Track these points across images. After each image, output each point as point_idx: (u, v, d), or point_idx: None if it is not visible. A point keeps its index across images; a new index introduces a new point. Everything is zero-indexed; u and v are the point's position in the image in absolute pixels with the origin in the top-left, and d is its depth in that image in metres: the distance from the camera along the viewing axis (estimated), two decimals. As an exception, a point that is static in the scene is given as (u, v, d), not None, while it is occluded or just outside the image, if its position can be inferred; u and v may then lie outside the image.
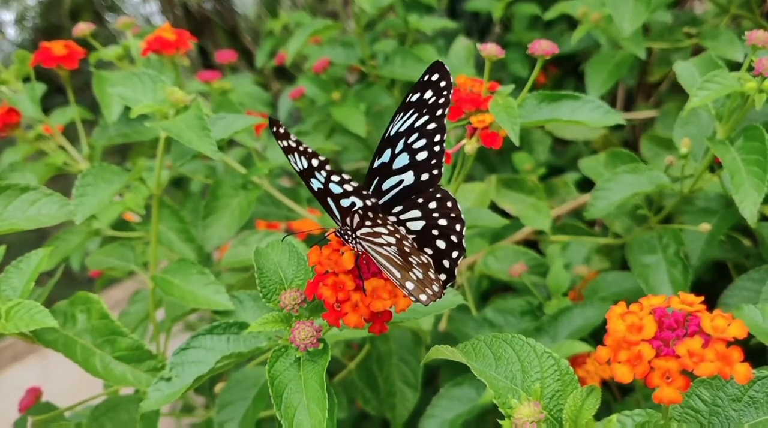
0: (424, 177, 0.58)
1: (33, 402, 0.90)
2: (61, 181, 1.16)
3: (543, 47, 0.74)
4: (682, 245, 0.88)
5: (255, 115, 1.32)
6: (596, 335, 0.95)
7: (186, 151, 0.80)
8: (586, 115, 0.79)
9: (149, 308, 0.87)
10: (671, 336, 0.41)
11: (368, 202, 0.53)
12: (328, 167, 0.52)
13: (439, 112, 0.57)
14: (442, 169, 0.58)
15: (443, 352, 0.51)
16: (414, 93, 0.58)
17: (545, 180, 1.39)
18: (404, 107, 0.58)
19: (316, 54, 1.47)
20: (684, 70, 0.84)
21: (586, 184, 1.21)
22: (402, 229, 0.53)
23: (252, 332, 0.57)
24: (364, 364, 1.00)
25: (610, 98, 1.63)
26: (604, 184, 0.90)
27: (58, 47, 0.97)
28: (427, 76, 0.57)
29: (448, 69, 0.57)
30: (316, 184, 0.54)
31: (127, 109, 0.83)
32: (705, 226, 0.87)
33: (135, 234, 1.01)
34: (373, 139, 1.45)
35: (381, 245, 0.52)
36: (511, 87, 0.81)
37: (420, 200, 0.57)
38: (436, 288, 0.51)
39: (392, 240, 0.52)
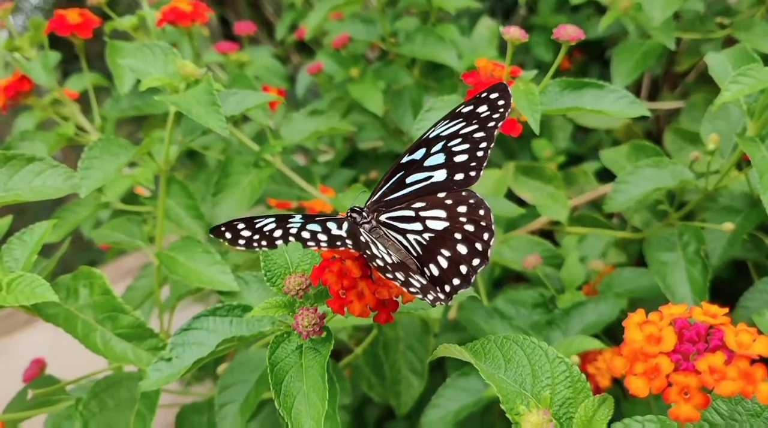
0: (459, 176, 0.57)
1: (37, 373, 0.89)
2: (77, 151, 1.15)
3: (569, 32, 0.71)
4: (703, 244, 0.85)
5: (271, 89, 1.30)
6: (609, 331, 0.93)
7: (196, 126, 0.77)
8: (610, 104, 0.76)
9: (155, 285, 0.86)
10: (692, 349, 0.39)
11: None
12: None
13: (491, 124, 0.57)
14: (481, 173, 0.57)
15: (451, 351, 0.49)
16: (467, 106, 0.57)
17: (564, 168, 1.37)
18: (452, 116, 0.58)
19: (336, 29, 1.44)
20: (716, 62, 0.81)
21: (605, 174, 1.18)
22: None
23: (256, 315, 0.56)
24: (371, 349, 0.99)
25: (635, 87, 1.59)
26: (625, 178, 0.87)
27: (72, 15, 0.96)
28: (485, 94, 0.57)
29: (510, 91, 0.57)
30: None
31: (139, 81, 0.82)
32: (728, 226, 0.84)
33: (144, 208, 0.99)
34: (390, 119, 1.42)
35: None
36: (533, 73, 0.78)
37: (448, 201, 0.56)
38: (441, 294, 0.51)
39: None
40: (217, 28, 2.82)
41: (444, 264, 0.54)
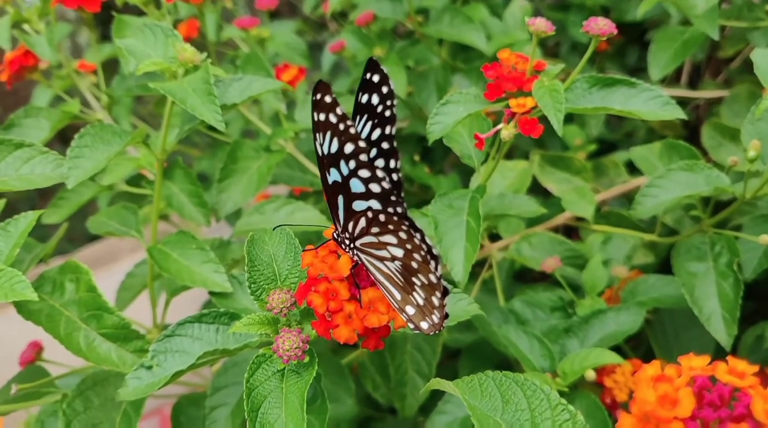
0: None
1: (33, 357, 0.87)
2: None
3: (599, 26, 0.64)
4: (737, 256, 0.79)
5: (292, 67, 1.25)
6: (630, 340, 0.87)
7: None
8: (642, 105, 0.70)
9: (148, 278, 0.82)
10: (712, 416, 0.34)
11: (398, 210, 0.45)
12: (363, 157, 0.43)
13: (388, 130, 0.48)
14: (405, 205, 0.49)
15: (444, 386, 0.45)
16: (363, 93, 0.49)
17: (597, 156, 1.30)
18: (358, 110, 0.49)
19: (363, 3, 1.37)
20: (763, 59, 0.74)
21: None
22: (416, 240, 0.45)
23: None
24: (378, 347, 0.94)
25: (675, 71, 1.50)
26: (655, 181, 0.81)
27: (80, -13, 0.91)
28: (368, 74, 0.48)
29: (386, 71, 0.48)
30: (333, 176, 0.46)
31: (143, 62, 0.77)
32: (765, 238, 0.77)
33: (149, 191, 0.96)
34: (414, 101, 1.36)
35: (382, 259, 0.45)
36: (559, 67, 0.72)
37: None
38: (436, 318, 0.44)
39: (399, 252, 0.45)
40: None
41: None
